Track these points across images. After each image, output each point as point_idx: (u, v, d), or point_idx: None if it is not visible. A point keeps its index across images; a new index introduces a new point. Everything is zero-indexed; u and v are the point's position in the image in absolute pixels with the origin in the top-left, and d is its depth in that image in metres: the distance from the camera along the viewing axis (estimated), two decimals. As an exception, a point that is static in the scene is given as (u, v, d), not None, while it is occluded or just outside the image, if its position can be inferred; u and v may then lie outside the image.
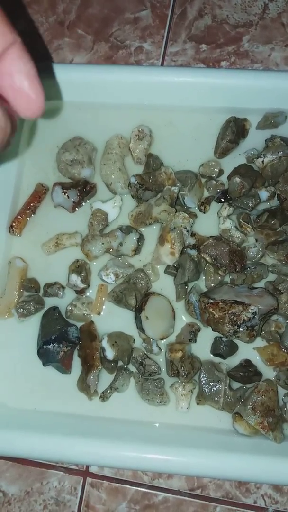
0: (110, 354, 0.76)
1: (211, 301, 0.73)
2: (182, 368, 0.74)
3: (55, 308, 0.80)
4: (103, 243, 0.79)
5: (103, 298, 0.80)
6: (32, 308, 0.80)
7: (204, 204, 0.81)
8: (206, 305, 0.73)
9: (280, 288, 0.76)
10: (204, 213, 0.81)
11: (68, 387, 0.78)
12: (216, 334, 0.75)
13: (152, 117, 0.85)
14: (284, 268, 0.77)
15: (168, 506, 0.77)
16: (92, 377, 0.76)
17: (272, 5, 0.91)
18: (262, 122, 0.82)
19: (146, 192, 0.80)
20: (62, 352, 0.76)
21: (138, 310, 0.77)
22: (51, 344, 0.76)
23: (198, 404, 0.76)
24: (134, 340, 0.79)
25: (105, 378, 0.78)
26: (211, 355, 0.77)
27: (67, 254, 0.82)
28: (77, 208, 0.83)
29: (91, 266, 0.81)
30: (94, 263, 0.81)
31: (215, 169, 0.82)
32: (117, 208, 0.82)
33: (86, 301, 0.80)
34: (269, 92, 0.81)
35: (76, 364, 0.79)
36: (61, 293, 0.81)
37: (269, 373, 0.76)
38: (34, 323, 0.80)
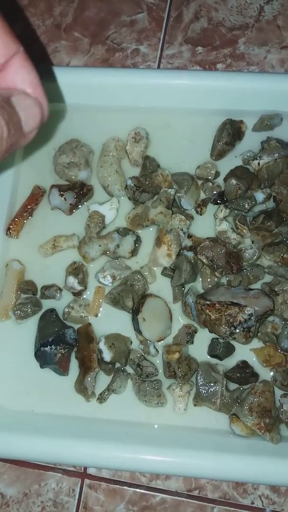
0: (107, 356, 0.76)
1: (208, 302, 0.73)
2: (179, 370, 0.74)
3: (52, 310, 0.80)
4: (100, 245, 0.80)
5: (100, 300, 0.80)
6: (30, 310, 0.80)
7: (200, 206, 0.81)
8: (203, 307, 0.73)
9: (276, 289, 0.76)
10: (201, 215, 0.82)
11: (65, 389, 0.79)
12: (213, 335, 0.76)
13: (148, 120, 0.85)
14: (280, 270, 0.77)
15: (166, 507, 0.77)
16: (89, 379, 0.76)
17: (268, 8, 0.91)
18: (258, 124, 0.82)
19: (142, 194, 0.80)
20: (60, 354, 0.77)
21: (135, 312, 0.77)
22: (49, 346, 0.77)
23: (195, 405, 0.76)
24: (131, 341, 0.79)
25: (103, 380, 0.78)
26: (208, 357, 0.78)
27: (64, 256, 0.82)
28: (74, 211, 0.83)
29: (88, 268, 0.82)
30: (91, 265, 0.82)
31: (212, 171, 0.82)
32: (114, 210, 0.82)
33: (83, 303, 0.81)
34: (265, 94, 0.81)
35: (74, 366, 0.79)
36: (58, 295, 0.81)
37: (265, 374, 0.77)
38: (31, 325, 0.81)
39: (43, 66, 0.83)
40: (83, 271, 0.81)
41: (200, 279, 0.80)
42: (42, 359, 0.77)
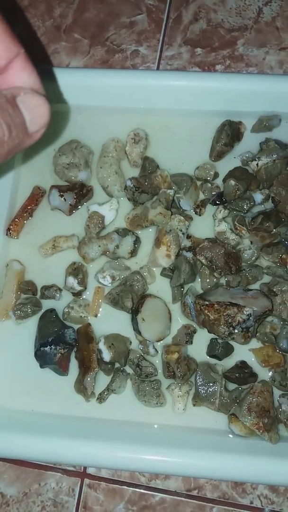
0: (107, 356, 0.76)
1: (207, 303, 0.73)
2: (178, 370, 0.74)
3: (52, 311, 0.81)
4: (99, 246, 0.80)
5: (100, 300, 0.80)
6: (29, 310, 0.80)
7: (199, 207, 0.82)
8: (202, 307, 0.74)
9: (274, 290, 0.76)
10: (200, 215, 0.82)
11: (65, 389, 0.79)
12: (212, 335, 0.76)
13: (148, 121, 0.85)
14: (279, 270, 0.77)
15: (165, 506, 0.78)
16: (89, 379, 0.76)
17: (267, 9, 0.91)
18: (257, 125, 0.83)
19: (142, 195, 0.80)
20: (59, 354, 0.77)
21: (134, 312, 0.77)
22: (48, 346, 0.77)
23: (194, 405, 0.76)
24: (130, 342, 0.79)
25: (102, 380, 0.78)
26: (207, 357, 0.78)
27: (64, 256, 0.83)
28: (73, 211, 0.84)
29: (88, 268, 0.82)
30: (91, 265, 0.82)
31: (211, 172, 0.82)
32: (114, 211, 0.82)
33: (83, 303, 0.81)
34: (264, 95, 0.81)
35: (73, 366, 0.79)
36: (58, 295, 0.81)
37: (264, 374, 0.77)
38: (31, 325, 0.81)
39: (43, 67, 0.83)
40: (83, 271, 0.81)
41: (199, 280, 0.80)
42: (42, 359, 0.77)
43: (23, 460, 0.80)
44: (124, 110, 0.85)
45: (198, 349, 0.78)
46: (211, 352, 0.77)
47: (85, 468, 0.80)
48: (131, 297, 0.78)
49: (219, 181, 0.83)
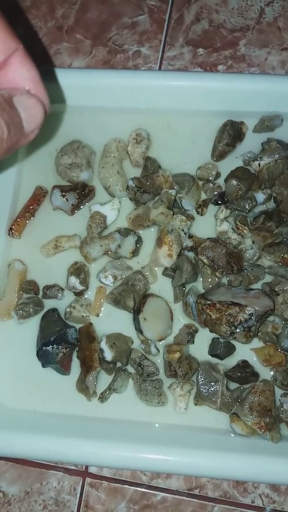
0: (108, 355, 0.76)
1: (209, 302, 0.74)
2: (180, 369, 0.75)
3: (54, 310, 0.81)
4: (101, 246, 0.80)
5: (102, 300, 0.81)
6: (31, 310, 0.80)
7: (201, 207, 0.82)
8: (204, 307, 0.74)
9: (276, 289, 0.76)
10: (202, 215, 0.82)
11: (67, 388, 0.79)
12: (214, 335, 0.76)
13: (149, 121, 0.85)
14: (281, 270, 0.77)
15: (166, 506, 0.78)
16: (91, 378, 0.76)
17: (269, 10, 0.92)
18: (259, 125, 0.83)
19: (144, 195, 0.81)
20: (61, 354, 0.77)
21: (136, 311, 0.78)
22: (50, 346, 0.77)
23: (196, 404, 0.76)
24: (132, 341, 0.79)
25: (104, 379, 0.78)
26: (209, 356, 0.78)
27: (66, 256, 0.83)
28: (75, 211, 0.84)
29: (89, 268, 0.82)
30: (93, 265, 0.82)
31: (212, 172, 0.82)
32: (116, 211, 0.82)
33: (84, 303, 0.81)
34: (266, 95, 0.81)
35: (75, 365, 0.79)
36: (60, 295, 0.81)
37: (266, 373, 0.77)
38: (33, 325, 0.81)
39: (45, 68, 0.84)
40: (85, 271, 0.81)
41: (201, 279, 0.80)
42: (44, 358, 0.78)
43: (25, 459, 0.80)
44: (126, 110, 0.85)
45: (200, 348, 0.78)
46: (212, 352, 0.77)
47: (86, 467, 0.80)
48: (132, 296, 0.78)
49: (221, 181, 0.83)
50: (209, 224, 0.82)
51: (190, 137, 0.85)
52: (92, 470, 0.80)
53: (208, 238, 0.80)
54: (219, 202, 0.81)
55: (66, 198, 0.82)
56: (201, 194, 0.83)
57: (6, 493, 0.80)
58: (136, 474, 0.79)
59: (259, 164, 0.80)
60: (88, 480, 0.80)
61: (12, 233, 0.83)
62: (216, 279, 0.79)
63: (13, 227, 0.83)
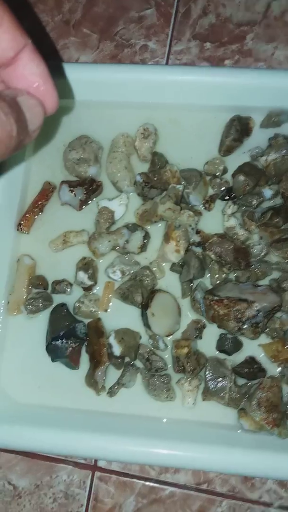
0: (117, 350, 0.77)
1: (216, 298, 0.74)
2: (188, 364, 0.75)
3: (63, 305, 0.81)
4: (109, 241, 0.80)
5: (110, 295, 0.81)
6: (41, 305, 0.81)
7: (208, 202, 0.82)
8: (211, 302, 0.74)
9: (284, 285, 0.76)
10: (209, 211, 0.82)
11: (76, 383, 0.80)
12: (221, 331, 0.76)
13: (157, 116, 0.85)
14: (288, 266, 0.78)
15: (174, 500, 0.79)
16: (99, 373, 0.77)
17: (276, 4, 0.91)
18: (266, 120, 0.82)
19: (151, 190, 0.81)
20: (70, 348, 0.78)
21: (144, 307, 0.78)
22: (60, 340, 0.78)
23: (204, 399, 0.77)
24: (140, 336, 0.80)
25: (113, 374, 0.79)
26: (217, 352, 0.78)
27: (74, 251, 0.83)
28: (83, 206, 0.84)
29: (98, 263, 0.82)
30: (101, 260, 0.82)
31: (220, 167, 0.82)
32: (123, 206, 0.83)
33: (93, 298, 0.81)
34: (273, 90, 0.81)
35: (84, 360, 0.80)
36: (68, 290, 0.82)
37: (273, 369, 0.77)
38: (42, 319, 0.82)
39: (52, 63, 0.83)
40: (93, 266, 0.81)
41: (209, 275, 0.80)
42: (53, 353, 0.78)
43: (35, 453, 0.81)
44: (134, 105, 0.85)
45: (208, 344, 0.79)
46: (220, 347, 0.78)
47: (96, 461, 0.81)
48: (140, 292, 0.78)
49: (228, 177, 0.82)
50: (216, 220, 0.82)
51: (197, 132, 0.85)
52: (101, 464, 0.81)
53: (215, 234, 0.80)
54: (226, 197, 0.81)
55: (74, 193, 0.82)
56: (209, 189, 0.83)
57: (17, 486, 0.81)
58: (144, 468, 0.80)
59: (266, 160, 0.80)
60: (97, 474, 0.80)
61: (21, 228, 0.84)
62: (224, 275, 0.79)
63: (22, 222, 0.84)
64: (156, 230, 0.82)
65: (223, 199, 0.81)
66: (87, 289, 0.81)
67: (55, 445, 0.75)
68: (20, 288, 0.82)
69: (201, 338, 0.78)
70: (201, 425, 0.76)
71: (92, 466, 0.81)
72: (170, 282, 0.81)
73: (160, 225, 0.82)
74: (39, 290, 0.82)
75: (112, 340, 0.77)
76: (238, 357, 0.78)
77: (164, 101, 0.84)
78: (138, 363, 0.79)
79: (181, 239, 0.78)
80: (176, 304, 0.79)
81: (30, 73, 0.47)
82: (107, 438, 0.74)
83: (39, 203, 0.84)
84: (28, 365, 0.81)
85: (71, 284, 0.82)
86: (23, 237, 0.85)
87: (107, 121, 0.86)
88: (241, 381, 0.77)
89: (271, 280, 0.78)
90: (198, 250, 0.80)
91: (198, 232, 0.81)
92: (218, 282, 0.79)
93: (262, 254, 0.79)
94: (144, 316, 0.78)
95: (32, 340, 0.81)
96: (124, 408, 0.78)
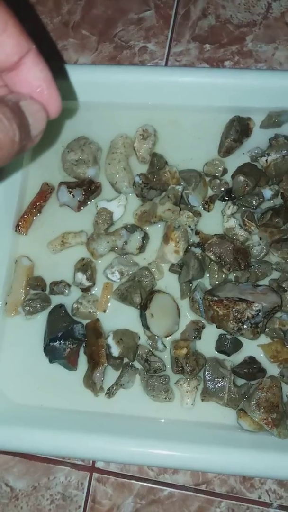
0: (115, 351, 0.77)
1: (216, 298, 0.74)
2: (187, 365, 0.75)
3: (61, 306, 0.81)
4: (108, 242, 0.80)
5: (109, 296, 0.81)
6: (39, 306, 0.80)
7: (208, 203, 0.82)
8: (211, 303, 0.74)
9: (284, 285, 0.76)
10: (208, 211, 0.82)
11: (74, 384, 0.79)
12: (221, 331, 0.76)
13: (156, 117, 0.85)
14: (288, 266, 0.78)
15: (173, 501, 0.78)
16: (98, 374, 0.76)
17: (276, 5, 0.91)
18: (266, 121, 0.83)
19: (150, 191, 0.81)
20: (68, 349, 0.77)
21: (143, 307, 0.78)
22: (58, 342, 0.77)
23: (203, 400, 0.77)
24: (139, 337, 0.79)
25: (111, 375, 0.78)
26: (216, 352, 0.78)
27: (72, 252, 0.83)
28: (82, 207, 0.84)
29: (96, 264, 0.82)
30: (100, 261, 0.82)
31: (219, 168, 0.82)
32: (122, 207, 0.83)
33: (91, 299, 0.81)
34: (273, 91, 0.81)
35: (82, 361, 0.80)
36: (67, 291, 0.81)
37: (273, 369, 0.77)
38: (40, 320, 0.81)
39: (51, 64, 0.83)
40: (92, 267, 0.81)
41: (208, 276, 0.80)
42: (51, 354, 0.78)
43: (32, 454, 0.81)
44: (133, 106, 0.85)
45: (207, 344, 0.79)
46: (219, 348, 0.77)
47: (93, 462, 0.80)
48: (139, 292, 0.78)
49: (228, 177, 0.82)
50: (216, 220, 0.82)
51: (197, 133, 0.85)
52: (99, 465, 0.80)
53: (215, 234, 0.80)
54: (226, 198, 0.81)
55: (72, 195, 0.82)
56: (208, 190, 0.83)
57: (14, 488, 0.81)
58: (143, 469, 0.79)
59: (266, 160, 0.80)
60: (95, 475, 0.80)
61: (19, 229, 0.83)
62: (223, 275, 0.79)
63: (20, 223, 0.83)
64: (155, 231, 0.82)
65: (223, 200, 0.81)
66: (86, 290, 0.81)
67: (53, 446, 0.74)
68: (18, 289, 0.82)
69: (200, 338, 0.78)
70: (200, 426, 0.76)
71: (90, 468, 0.80)
72: (169, 283, 0.81)
73: (159, 226, 0.82)
74: (37, 291, 0.82)
75: (110, 341, 0.77)
76: (238, 358, 0.78)
77: (164, 102, 0.84)
78: (137, 364, 0.79)
79: (180, 240, 0.77)
80: (175, 304, 0.79)
81: (33, 78, 0.47)
82: (105, 439, 0.74)
83: (37, 204, 0.84)
84: (26, 366, 0.81)
85: (69, 285, 0.82)
86: (21, 238, 0.84)
87: (106, 122, 0.87)
88: (240, 382, 0.77)
89: (271, 281, 0.78)
90: (198, 250, 0.80)
91: (197, 232, 0.81)
92: (217, 282, 0.79)
93: (262, 254, 0.79)
94: (143, 317, 0.77)
95: (30, 341, 0.81)
96: (122, 409, 0.78)
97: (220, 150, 0.83)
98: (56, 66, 0.83)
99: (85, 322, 0.81)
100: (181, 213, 0.79)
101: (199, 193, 0.81)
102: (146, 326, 0.77)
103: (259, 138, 0.83)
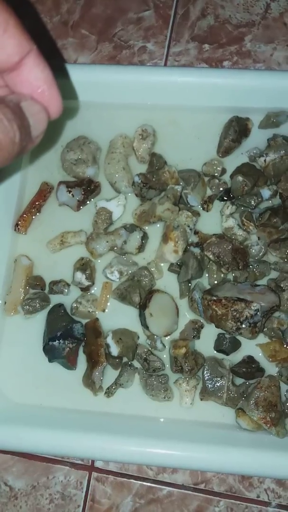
0: (114, 350, 0.77)
1: (214, 298, 0.74)
2: (186, 364, 0.75)
3: (60, 305, 0.81)
4: (107, 241, 0.80)
5: (108, 296, 0.81)
6: (38, 305, 0.81)
7: (207, 203, 0.82)
8: (209, 302, 0.74)
9: (282, 285, 0.76)
10: (207, 211, 0.82)
11: (73, 383, 0.79)
12: (219, 330, 0.76)
13: (155, 117, 0.85)
14: (286, 266, 0.77)
15: (172, 500, 0.78)
16: (97, 373, 0.76)
17: (274, 5, 0.91)
18: (264, 121, 0.83)
19: (149, 191, 0.81)
20: (68, 349, 0.77)
21: (142, 307, 0.78)
22: (57, 341, 0.77)
23: (201, 399, 0.77)
24: (138, 336, 0.80)
25: (110, 374, 0.78)
26: (214, 352, 0.78)
27: (72, 252, 0.83)
28: (81, 207, 0.84)
29: (95, 264, 0.82)
30: (99, 261, 0.82)
31: (218, 168, 0.82)
32: (121, 207, 0.83)
33: (91, 298, 0.81)
34: (271, 91, 0.81)
35: (82, 360, 0.80)
36: (66, 290, 0.82)
37: (271, 369, 0.77)
38: (39, 320, 0.81)
39: (51, 63, 0.83)
40: (91, 266, 0.81)
41: (207, 275, 0.80)
42: (51, 353, 0.78)
43: (32, 454, 0.81)
44: (132, 106, 0.86)
45: (206, 344, 0.79)
46: (218, 347, 0.78)
47: (93, 461, 0.80)
48: (138, 292, 0.78)
49: (226, 177, 0.83)
50: (214, 220, 0.82)
51: (196, 133, 0.85)
52: (98, 464, 0.80)
53: (213, 234, 0.80)
54: (224, 198, 0.81)
55: (72, 194, 0.82)
56: (207, 190, 0.83)
57: (13, 487, 0.81)
58: (142, 468, 0.80)
59: (265, 160, 0.80)
60: (94, 474, 0.80)
61: (18, 228, 0.83)
62: (222, 275, 0.79)
63: (19, 222, 0.84)
64: (154, 231, 0.82)
65: (222, 200, 0.82)
66: (85, 289, 0.81)
67: (52, 445, 0.75)
68: (17, 289, 0.82)
69: (199, 338, 0.78)
70: (199, 425, 0.76)
71: (89, 467, 0.80)
72: (168, 282, 0.81)
73: (158, 225, 0.82)
74: (37, 291, 0.82)
75: (109, 340, 0.77)
76: (236, 357, 0.78)
77: (163, 102, 0.85)
78: (136, 363, 0.79)
79: (179, 240, 0.78)
80: (174, 304, 0.79)
81: (34, 78, 0.47)
82: (104, 438, 0.74)
83: (36, 203, 0.84)
84: (25, 365, 0.81)
85: (68, 285, 0.82)
86: (21, 238, 0.85)
87: (106, 122, 0.87)
88: (239, 381, 0.77)
89: (269, 280, 0.79)
90: (196, 250, 0.80)
91: (196, 232, 0.81)
92: (216, 282, 0.79)
93: (260, 254, 0.79)
94: (142, 316, 0.78)
95: (29, 340, 0.81)
96: (121, 408, 0.78)
97: (219, 150, 0.83)
98: (56, 65, 0.83)
99: (84, 321, 0.81)
100: (180, 213, 0.79)
101: (198, 193, 0.81)
102: (145, 325, 0.77)
103: (257, 138, 0.84)
